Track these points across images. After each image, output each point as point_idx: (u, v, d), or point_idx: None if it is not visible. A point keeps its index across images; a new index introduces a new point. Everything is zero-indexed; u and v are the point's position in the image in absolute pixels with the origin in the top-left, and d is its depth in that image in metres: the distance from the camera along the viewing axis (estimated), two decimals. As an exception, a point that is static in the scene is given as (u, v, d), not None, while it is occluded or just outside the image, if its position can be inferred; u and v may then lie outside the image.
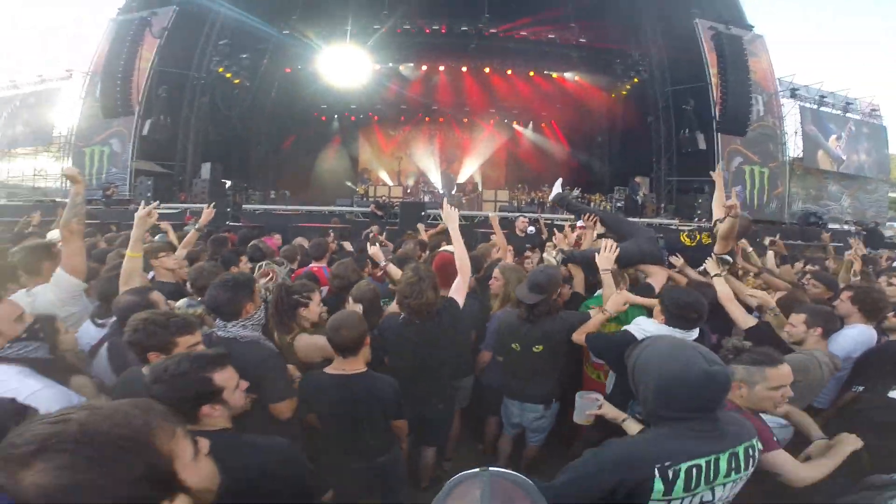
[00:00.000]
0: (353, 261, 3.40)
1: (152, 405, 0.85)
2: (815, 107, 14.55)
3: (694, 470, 1.27)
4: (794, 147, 14.08)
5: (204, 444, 0.91)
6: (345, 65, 14.95)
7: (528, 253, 4.77)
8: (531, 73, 16.52)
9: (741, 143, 12.25)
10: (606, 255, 2.77)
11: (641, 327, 2.27)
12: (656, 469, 1.25)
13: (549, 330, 2.58)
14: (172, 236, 4.41)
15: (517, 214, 8.55)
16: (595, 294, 3.02)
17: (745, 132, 11.92)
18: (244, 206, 11.96)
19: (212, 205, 4.23)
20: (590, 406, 1.83)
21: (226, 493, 0.94)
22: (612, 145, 17.20)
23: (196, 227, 3.92)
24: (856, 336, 2.47)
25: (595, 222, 3.61)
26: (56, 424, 0.72)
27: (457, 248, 2.63)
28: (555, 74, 16.60)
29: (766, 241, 5.40)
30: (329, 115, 19.09)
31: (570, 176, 16.90)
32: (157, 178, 12.43)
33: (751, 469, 1.36)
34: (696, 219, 11.49)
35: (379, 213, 11.05)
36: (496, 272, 3.14)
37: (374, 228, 2.68)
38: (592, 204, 13.35)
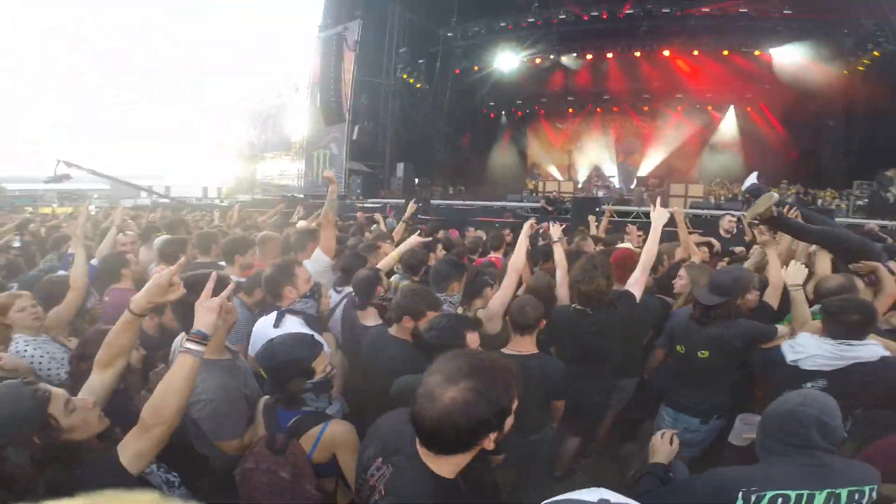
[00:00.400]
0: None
1: None
2: None
3: (780, 499, 1.30)
4: None
5: None
6: (504, 60, 15.54)
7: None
8: (725, 53, 14.54)
9: None
10: (796, 269, 2.42)
11: (795, 343, 2.00)
12: (740, 493, 1.32)
13: (719, 335, 2.33)
14: (383, 226, 5.73)
15: (720, 213, 7.43)
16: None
17: None
18: (431, 201, 13.33)
19: (413, 201, 5.31)
20: (748, 430, 1.72)
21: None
22: (848, 130, 13.57)
23: (403, 219, 4.83)
24: None
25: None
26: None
27: (651, 243, 2.64)
28: (757, 52, 13.99)
29: None
30: (497, 112, 19.76)
31: (789, 169, 14.01)
32: (364, 176, 14.69)
33: None
34: None
35: (549, 208, 11.05)
36: (681, 271, 3.01)
37: (531, 222, 2.92)
38: (821, 202, 11.00)
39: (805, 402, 1.37)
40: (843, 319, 1.90)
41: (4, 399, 1.21)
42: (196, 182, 20.61)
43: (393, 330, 2.25)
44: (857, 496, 1.32)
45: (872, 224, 7.70)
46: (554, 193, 13.56)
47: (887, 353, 1.87)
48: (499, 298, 2.61)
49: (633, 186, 15.72)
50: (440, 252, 4.12)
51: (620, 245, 4.04)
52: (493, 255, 4.20)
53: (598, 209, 8.79)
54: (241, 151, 21.53)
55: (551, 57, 16.19)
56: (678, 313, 2.75)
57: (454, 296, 2.60)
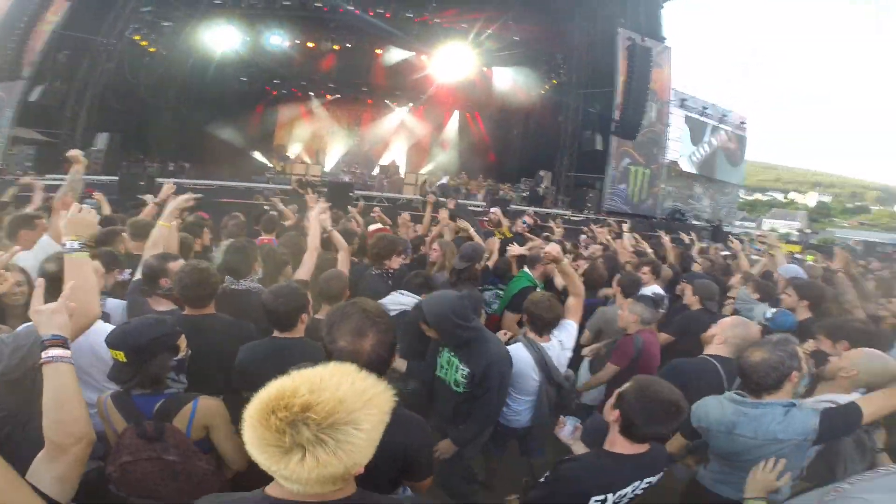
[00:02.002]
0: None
1: None
2: (698, 116, 16.84)
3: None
4: (672, 151, 15.96)
5: None
6: (269, 37, 14.85)
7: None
8: (464, 65, 16.65)
9: (631, 145, 13.85)
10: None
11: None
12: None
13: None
14: (106, 208, 4.52)
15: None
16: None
17: (636, 136, 13.41)
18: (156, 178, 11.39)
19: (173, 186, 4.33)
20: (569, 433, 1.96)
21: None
22: (525, 139, 18.57)
23: (155, 200, 3.84)
24: None
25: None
26: None
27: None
28: (486, 69, 17.28)
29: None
30: (249, 89, 18.45)
31: (486, 165, 18.47)
32: (39, 146, 11.34)
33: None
34: (587, 210, 13.25)
35: (301, 191, 10.93)
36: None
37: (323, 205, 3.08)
38: (502, 193, 14.43)
39: None
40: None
41: None
42: None
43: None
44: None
45: (531, 211, 10.43)
46: (305, 176, 13.28)
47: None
48: (302, 273, 2.78)
49: (374, 173, 17.06)
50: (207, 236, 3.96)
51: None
52: (265, 237, 4.20)
53: (351, 194, 9.48)
54: None
55: (325, 43, 16.08)
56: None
57: (257, 273, 2.77)
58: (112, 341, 1.54)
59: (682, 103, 16.34)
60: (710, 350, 2.40)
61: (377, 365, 1.29)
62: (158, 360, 1.57)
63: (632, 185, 14.25)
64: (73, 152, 2.77)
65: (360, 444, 0.79)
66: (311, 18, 15.08)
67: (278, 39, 16.06)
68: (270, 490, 0.90)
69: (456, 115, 20.04)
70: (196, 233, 3.68)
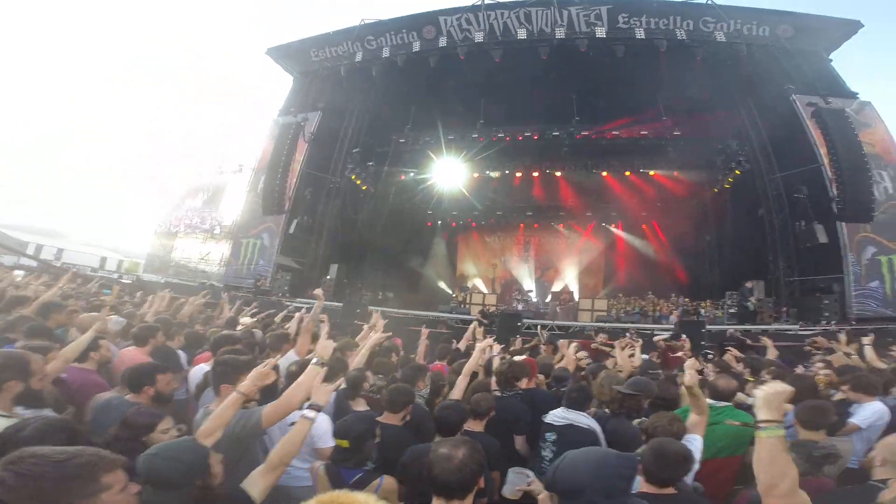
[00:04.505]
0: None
1: None
2: None
3: None
4: None
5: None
6: (445, 172, 16.62)
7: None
8: (627, 173, 16.40)
9: (872, 229, 10.83)
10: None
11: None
12: None
13: None
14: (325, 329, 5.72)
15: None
16: None
17: (872, 217, 10.59)
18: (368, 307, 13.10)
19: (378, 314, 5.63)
20: (521, 481, 1.97)
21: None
22: (721, 245, 15.71)
23: (368, 324, 5.38)
24: None
25: None
26: None
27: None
28: (651, 172, 16.28)
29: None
30: (434, 221, 20.46)
31: (674, 282, 16.24)
32: (293, 274, 14.05)
33: None
34: (824, 322, 10.23)
35: (485, 321, 11.43)
36: None
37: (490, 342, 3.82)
38: (704, 311, 12.80)
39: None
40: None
41: (182, 449, 1.63)
42: (97, 248, 18.92)
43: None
44: None
45: (733, 329, 9.17)
46: (488, 307, 14.04)
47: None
48: (456, 393, 3.33)
49: (547, 300, 16.88)
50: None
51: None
52: (439, 363, 4.75)
53: (519, 323, 9.57)
54: (160, 223, 19.95)
55: (487, 173, 17.54)
56: None
57: (423, 391, 3.51)
58: (340, 433, 2.22)
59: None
60: (876, 475, 2.02)
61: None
62: (368, 444, 2.21)
63: (889, 280, 10.65)
64: (318, 291, 3.68)
65: None
66: (470, 150, 16.23)
67: (457, 172, 17.30)
68: None
69: (629, 230, 18.84)
70: (389, 355, 4.47)
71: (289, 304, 11.11)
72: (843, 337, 5.23)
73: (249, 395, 2.06)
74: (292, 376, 2.66)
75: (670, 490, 1.99)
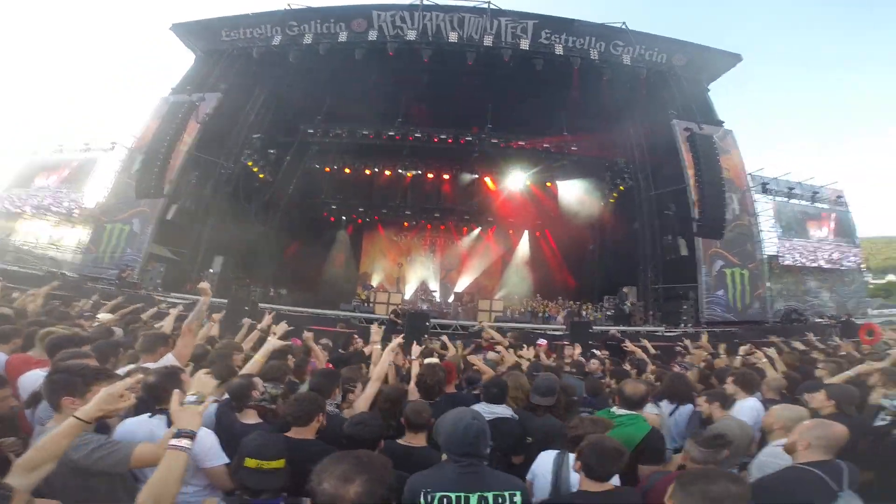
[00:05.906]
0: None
1: None
2: (785, 199, 15.05)
3: (444, 500, 1.71)
4: (769, 244, 14.21)
5: None
6: (355, 167, 16.23)
7: None
8: (528, 183, 17.43)
9: (721, 245, 12.46)
10: None
11: None
12: (422, 493, 1.72)
13: None
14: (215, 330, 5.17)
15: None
16: None
17: (723, 234, 11.93)
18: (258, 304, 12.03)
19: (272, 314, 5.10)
20: None
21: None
22: (602, 254, 17.51)
23: (259, 328, 4.73)
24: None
25: None
26: None
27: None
28: (548, 183, 17.57)
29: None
30: (337, 217, 19.71)
31: (562, 287, 17.63)
32: (169, 264, 12.55)
33: None
34: (682, 325, 11.85)
35: (398, 321, 11.12)
36: None
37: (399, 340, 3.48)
38: (585, 314, 14.00)
39: (477, 417, 1.87)
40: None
41: None
42: None
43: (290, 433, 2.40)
44: (500, 500, 1.73)
45: (614, 330, 10.21)
46: (399, 307, 13.52)
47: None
48: (363, 401, 3.08)
49: (450, 301, 17.25)
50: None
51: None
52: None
53: (427, 323, 9.54)
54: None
55: (399, 170, 17.44)
56: None
57: (336, 399, 3.06)
58: (276, 454, 1.84)
59: (764, 188, 14.65)
60: (801, 458, 2.14)
61: None
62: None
63: (731, 289, 12.55)
64: (203, 285, 3.25)
65: None
66: (384, 147, 16.34)
67: (368, 168, 17.34)
68: None
69: (525, 236, 20.04)
70: (284, 359, 3.97)
71: (162, 299, 9.76)
72: (704, 336, 6.09)
73: (90, 422, 1.64)
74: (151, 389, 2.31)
75: (609, 486, 2.00)
